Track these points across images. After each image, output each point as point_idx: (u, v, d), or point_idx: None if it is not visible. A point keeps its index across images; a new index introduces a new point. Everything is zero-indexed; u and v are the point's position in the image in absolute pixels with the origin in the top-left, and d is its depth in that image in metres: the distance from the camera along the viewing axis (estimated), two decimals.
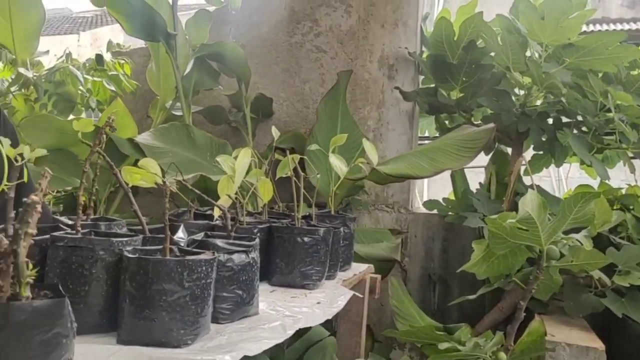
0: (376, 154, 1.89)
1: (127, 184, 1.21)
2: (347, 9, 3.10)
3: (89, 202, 1.29)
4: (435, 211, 2.70)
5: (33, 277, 0.74)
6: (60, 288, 0.77)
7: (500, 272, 1.91)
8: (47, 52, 3.11)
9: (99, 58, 2.95)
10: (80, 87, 2.81)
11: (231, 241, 1.19)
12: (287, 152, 2.03)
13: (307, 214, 1.80)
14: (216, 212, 1.51)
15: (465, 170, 2.89)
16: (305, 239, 1.52)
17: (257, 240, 1.23)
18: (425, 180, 5.57)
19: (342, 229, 1.76)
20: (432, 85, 2.93)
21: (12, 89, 2.44)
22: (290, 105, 3.17)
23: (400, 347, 2.93)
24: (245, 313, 1.18)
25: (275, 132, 1.86)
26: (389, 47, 3.05)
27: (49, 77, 2.61)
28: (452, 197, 2.84)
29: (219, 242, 1.14)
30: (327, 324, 1.97)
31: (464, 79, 2.81)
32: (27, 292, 0.74)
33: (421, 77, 3.16)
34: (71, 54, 2.84)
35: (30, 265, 0.73)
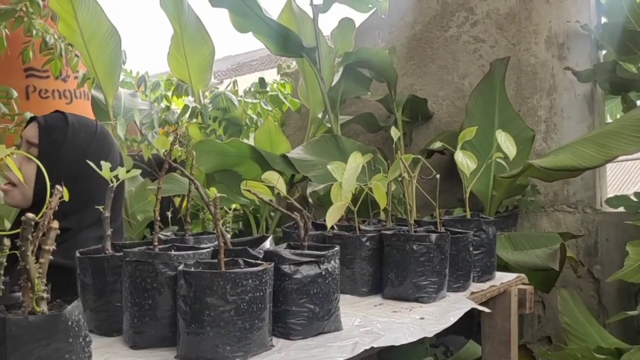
0: (514, 146, 1.63)
1: (209, 197, 1.21)
2: None
3: (186, 216, 1.33)
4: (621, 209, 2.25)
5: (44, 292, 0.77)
6: (79, 302, 0.78)
7: None
8: (221, 82, 3.39)
9: (261, 81, 3.12)
10: (247, 111, 3.00)
11: (303, 251, 1.12)
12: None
13: (434, 219, 1.63)
14: (328, 222, 1.45)
15: None
16: (415, 246, 1.37)
17: (337, 249, 1.14)
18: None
19: (472, 234, 1.55)
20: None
21: (183, 118, 2.71)
22: (450, 104, 2.96)
23: None
24: (320, 329, 1.09)
25: (394, 133, 1.73)
26: (556, 23, 2.67)
27: (215, 104, 2.83)
28: None
29: (285, 253, 1.08)
30: None
31: None
32: (41, 307, 0.77)
33: (603, 53, 2.69)
34: (237, 81, 3.05)
35: (40, 282, 0.76)
